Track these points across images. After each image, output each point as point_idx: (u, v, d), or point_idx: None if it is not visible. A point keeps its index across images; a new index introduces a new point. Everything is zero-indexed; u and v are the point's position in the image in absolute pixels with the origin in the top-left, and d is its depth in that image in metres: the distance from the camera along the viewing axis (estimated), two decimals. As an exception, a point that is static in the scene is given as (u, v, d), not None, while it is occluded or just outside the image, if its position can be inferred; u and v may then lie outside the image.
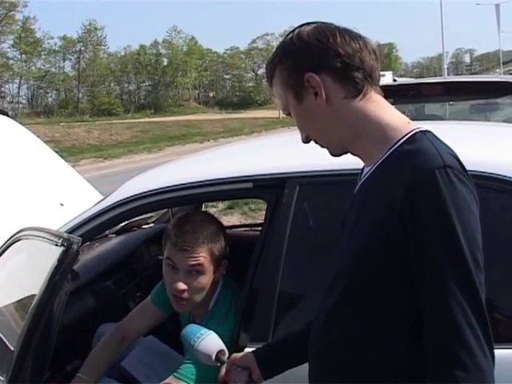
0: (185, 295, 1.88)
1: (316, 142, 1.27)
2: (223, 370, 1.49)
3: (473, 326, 1.03)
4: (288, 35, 1.24)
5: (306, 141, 1.27)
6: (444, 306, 1.04)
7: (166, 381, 1.79)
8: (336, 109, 1.19)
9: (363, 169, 1.25)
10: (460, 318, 1.03)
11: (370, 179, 1.19)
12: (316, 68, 1.18)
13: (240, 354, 1.51)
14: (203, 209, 3.16)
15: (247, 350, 1.58)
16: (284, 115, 1.30)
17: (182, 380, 1.76)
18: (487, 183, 1.53)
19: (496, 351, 1.06)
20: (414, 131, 1.16)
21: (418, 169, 1.07)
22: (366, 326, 1.14)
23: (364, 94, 1.19)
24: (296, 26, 1.24)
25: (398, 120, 1.19)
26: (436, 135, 1.17)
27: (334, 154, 1.27)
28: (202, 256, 1.86)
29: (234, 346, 1.65)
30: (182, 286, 1.86)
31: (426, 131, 1.16)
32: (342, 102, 1.19)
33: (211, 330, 1.56)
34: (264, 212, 1.84)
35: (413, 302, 1.09)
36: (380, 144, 1.17)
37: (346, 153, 1.26)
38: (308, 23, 1.23)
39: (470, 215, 1.07)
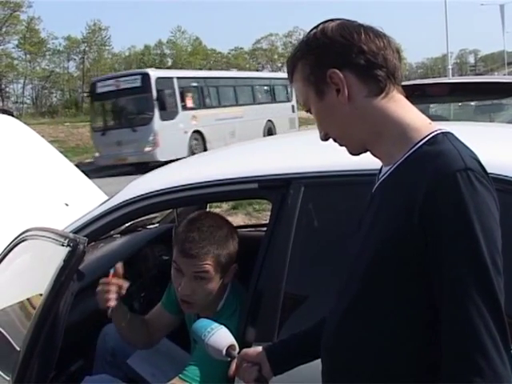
0: (190, 299, 1.88)
1: (335, 141, 1.24)
2: (233, 365, 1.48)
3: (491, 330, 1.01)
4: (311, 31, 1.21)
5: (324, 139, 1.25)
6: (462, 310, 1.02)
7: (172, 382, 1.79)
8: (357, 107, 1.17)
9: (381, 168, 1.23)
10: (478, 322, 1.01)
11: (389, 180, 1.17)
12: (339, 64, 1.16)
13: (250, 350, 1.50)
14: (207, 209, 3.15)
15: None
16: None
17: (187, 382, 1.76)
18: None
19: None
20: (435, 132, 1.13)
21: (439, 171, 1.05)
22: (378, 331, 1.13)
23: (386, 93, 1.16)
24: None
25: (419, 120, 1.17)
26: (457, 137, 1.15)
27: (353, 153, 1.24)
28: (207, 263, 1.84)
29: (239, 345, 1.65)
30: (185, 290, 1.86)
31: (448, 133, 1.14)
32: (363, 100, 1.17)
33: None
34: (268, 212, 1.83)
35: (426, 308, 1.08)
36: (400, 144, 1.15)
37: (365, 152, 1.23)
38: (332, 19, 1.21)
39: (491, 219, 1.05)
